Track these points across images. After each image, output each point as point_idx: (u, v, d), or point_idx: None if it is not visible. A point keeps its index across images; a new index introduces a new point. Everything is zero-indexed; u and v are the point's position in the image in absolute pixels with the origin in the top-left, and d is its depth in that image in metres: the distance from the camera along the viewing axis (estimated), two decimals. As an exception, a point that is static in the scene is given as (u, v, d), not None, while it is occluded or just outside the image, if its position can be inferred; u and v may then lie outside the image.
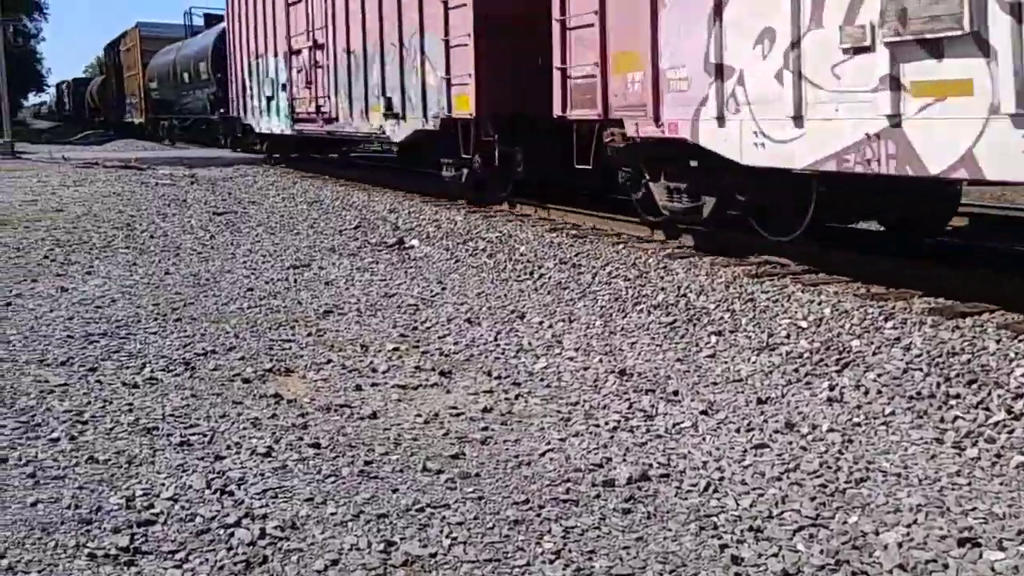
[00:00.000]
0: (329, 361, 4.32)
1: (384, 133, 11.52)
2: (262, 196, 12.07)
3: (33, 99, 79.56)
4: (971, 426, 3.30)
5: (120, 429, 3.33)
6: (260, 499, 2.75)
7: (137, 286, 6.05)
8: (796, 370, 4.06)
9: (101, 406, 3.59)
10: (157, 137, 30.78)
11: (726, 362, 4.28)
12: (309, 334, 4.85)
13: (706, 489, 2.85)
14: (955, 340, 4.14)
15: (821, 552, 2.43)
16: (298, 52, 14.37)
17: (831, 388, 3.77)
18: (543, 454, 3.17)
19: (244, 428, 3.39)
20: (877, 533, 2.53)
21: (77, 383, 3.89)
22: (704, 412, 3.59)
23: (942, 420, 3.39)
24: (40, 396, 3.69)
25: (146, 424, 3.39)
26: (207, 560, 2.37)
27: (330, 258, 7.26)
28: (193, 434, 3.30)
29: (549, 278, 6.26)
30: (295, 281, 6.32)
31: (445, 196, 10.81)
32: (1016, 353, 3.89)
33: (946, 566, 2.35)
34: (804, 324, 4.69)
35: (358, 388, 3.93)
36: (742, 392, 3.84)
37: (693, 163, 6.30)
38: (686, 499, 2.79)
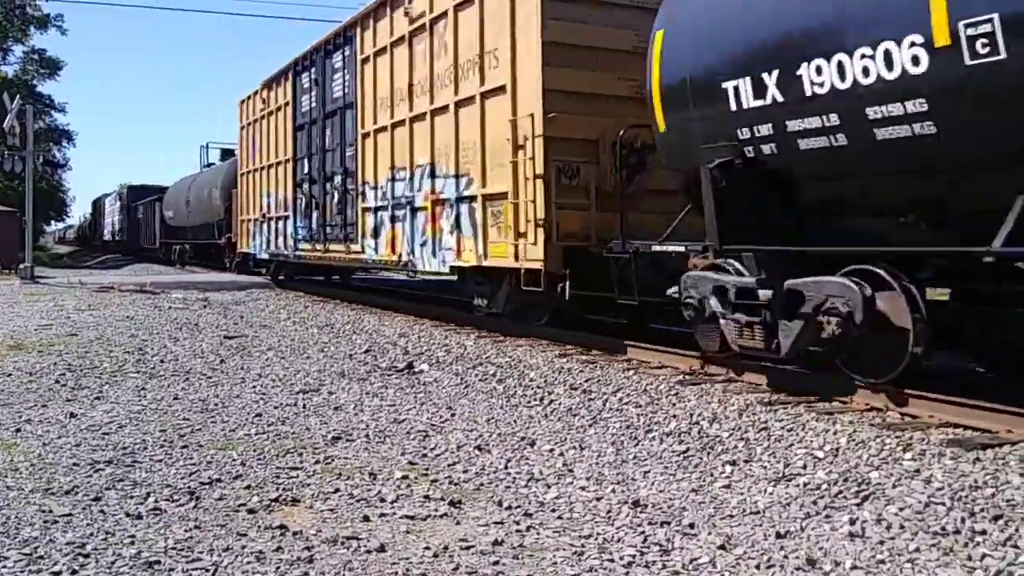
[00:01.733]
0: (336, 490, 4.24)
1: None
2: (274, 320, 12.18)
3: (56, 224, 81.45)
4: (1000, 564, 3.18)
5: (121, 563, 3.24)
6: (262, 640, 2.65)
7: (145, 412, 6.03)
8: (815, 502, 3.96)
9: (104, 538, 3.51)
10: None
11: (742, 493, 4.18)
12: (317, 461, 4.78)
13: (727, 631, 2.73)
14: (977, 473, 4.05)
15: None
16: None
17: (852, 522, 3.66)
18: (556, 592, 3.06)
19: (248, 562, 3.29)
20: None
21: (81, 513, 3.82)
22: (722, 547, 3.48)
23: (969, 558, 3.27)
24: (44, 527, 3.62)
25: (148, 558, 3.30)
26: None
27: (340, 383, 7.25)
28: (195, 568, 3.21)
29: (559, 404, 6.22)
30: (304, 407, 6.29)
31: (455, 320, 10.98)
32: (1040, 486, 3.80)
33: None
34: (820, 454, 4.60)
35: (366, 519, 3.84)
36: (760, 525, 3.73)
37: None
38: (706, 642, 2.66)
